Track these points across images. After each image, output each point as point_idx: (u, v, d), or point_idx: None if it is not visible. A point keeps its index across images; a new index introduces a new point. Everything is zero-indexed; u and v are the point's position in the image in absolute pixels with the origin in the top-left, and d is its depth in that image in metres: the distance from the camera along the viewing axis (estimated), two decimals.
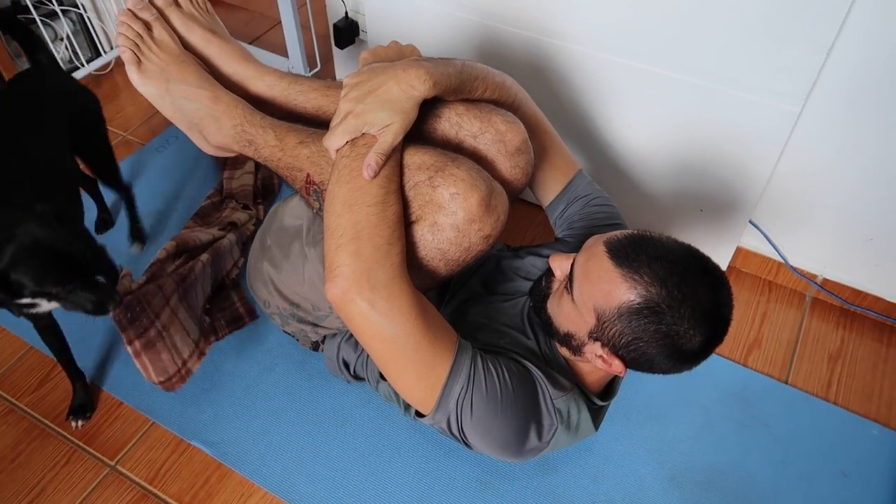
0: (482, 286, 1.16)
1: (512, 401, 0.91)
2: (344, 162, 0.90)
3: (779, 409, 1.28)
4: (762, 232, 1.44)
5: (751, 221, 1.43)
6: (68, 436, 1.22)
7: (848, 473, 1.19)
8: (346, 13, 1.62)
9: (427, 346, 0.88)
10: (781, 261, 1.46)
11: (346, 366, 1.19)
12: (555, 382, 0.95)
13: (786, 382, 1.33)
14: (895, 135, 1.16)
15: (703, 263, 0.86)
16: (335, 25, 1.63)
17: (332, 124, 0.93)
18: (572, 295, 0.91)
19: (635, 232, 0.88)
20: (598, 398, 1.02)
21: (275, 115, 1.08)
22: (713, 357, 1.33)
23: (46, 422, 1.24)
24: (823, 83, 1.16)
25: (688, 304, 0.82)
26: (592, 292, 0.87)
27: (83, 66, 1.80)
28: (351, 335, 1.15)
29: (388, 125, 0.89)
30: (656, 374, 0.91)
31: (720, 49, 1.17)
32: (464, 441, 0.96)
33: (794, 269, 1.46)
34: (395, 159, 0.91)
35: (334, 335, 1.18)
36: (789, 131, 1.20)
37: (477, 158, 0.98)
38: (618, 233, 0.89)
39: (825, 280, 1.45)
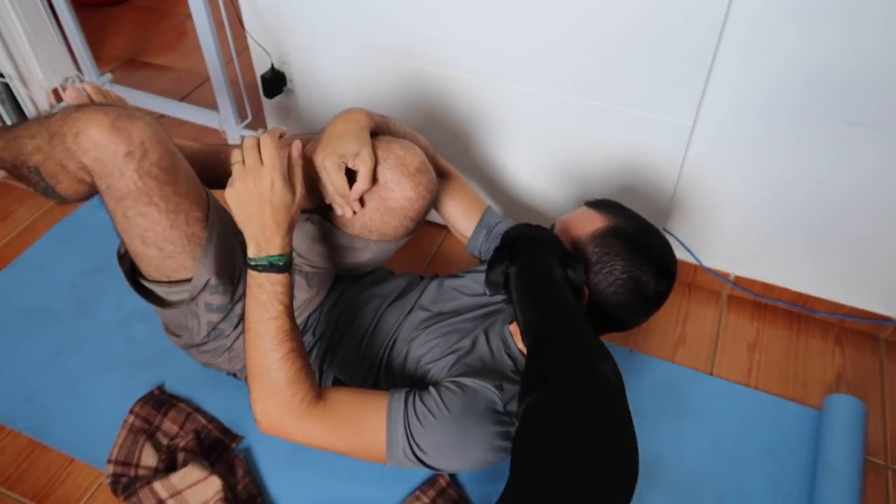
0: (431, 309, 1.21)
1: (457, 425, 0.97)
2: (253, 304, 0.99)
3: (706, 398, 1.38)
4: (677, 238, 1.55)
5: (665, 229, 1.54)
6: (20, 498, 1.21)
7: (772, 450, 1.29)
8: (272, 65, 1.69)
9: (357, 434, 0.99)
10: (697, 263, 1.57)
11: None
12: (504, 388, 1.01)
13: (710, 374, 1.43)
14: (779, 139, 1.29)
15: (659, 232, 1.09)
16: (262, 77, 1.70)
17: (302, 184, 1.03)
18: None
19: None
20: None
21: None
22: (645, 357, 1.44)
23: None
24: (712, 97, 1.27)
25: (646, 243, 1.04)
26: (573, 227, 1.06)
27: None
28: None
29: (357, 153, 1.06)
30: (613, 328, 1.08)
31: (611, 70, 1.27)
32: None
33: (709, 270, 1.57)
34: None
35: None
36: (686, 143, 1.32)
37: (383, 182, 1.10)
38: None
39: (737, 277, 1.57)
